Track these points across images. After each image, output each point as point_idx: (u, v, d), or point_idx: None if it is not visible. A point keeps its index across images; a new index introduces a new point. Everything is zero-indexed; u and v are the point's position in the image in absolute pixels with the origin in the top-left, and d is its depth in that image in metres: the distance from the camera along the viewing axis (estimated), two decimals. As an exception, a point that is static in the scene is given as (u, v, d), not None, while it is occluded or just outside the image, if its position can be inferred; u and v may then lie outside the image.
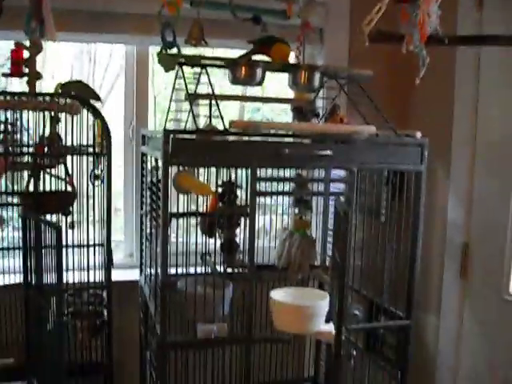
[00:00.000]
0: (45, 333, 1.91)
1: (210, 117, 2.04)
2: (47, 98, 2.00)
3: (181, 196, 2.04)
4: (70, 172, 2.04)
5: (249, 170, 1.78)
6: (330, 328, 1.78)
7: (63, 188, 2.07)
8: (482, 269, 2.35)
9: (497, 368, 2.26)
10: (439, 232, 2.56)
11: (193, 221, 2.15)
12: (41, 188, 2.04)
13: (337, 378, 1.74)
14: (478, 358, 2.36)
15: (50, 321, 1.87)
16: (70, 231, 2.18)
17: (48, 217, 2.06)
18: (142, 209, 2.35)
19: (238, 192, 2.15)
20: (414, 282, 2.01)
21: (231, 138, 1.76)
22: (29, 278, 2.01)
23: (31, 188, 1.99)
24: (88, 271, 2.19)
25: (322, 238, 2.48)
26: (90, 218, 2.25)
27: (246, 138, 1.77)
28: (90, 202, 2.21)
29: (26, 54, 2.05)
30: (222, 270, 2.12)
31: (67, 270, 2.14)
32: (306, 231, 2.35)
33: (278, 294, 1.88)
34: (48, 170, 2.02)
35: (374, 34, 1.75)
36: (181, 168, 1.93)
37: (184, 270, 2.07)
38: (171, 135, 1.69)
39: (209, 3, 2.14)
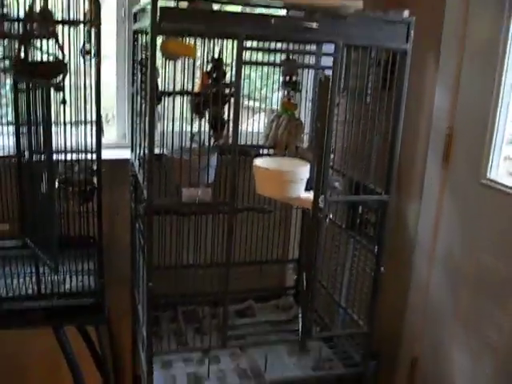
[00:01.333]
0: (37, 199, 2.00)
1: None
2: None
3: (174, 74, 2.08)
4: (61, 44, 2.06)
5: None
6: (310, 196, 1.87)
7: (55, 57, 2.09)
8: (464, 154, 2.41)
9: (472, 252, 2.36)
10: (426, 118, 2.61)
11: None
12: (32, 59, 2.06)
13: (313, 243, 1.84)
14: (455, 242, 2.46)
15: (43, 187, 1.95)
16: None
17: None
18: (133, 86, 2.40)
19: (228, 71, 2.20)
20: (394, 159, 2.08)
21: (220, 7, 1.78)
22: (21, 148, 2.09)
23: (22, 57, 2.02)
24: (80, 147, 2.24)
25: (311, 120, 2.55)
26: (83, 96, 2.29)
27: (235, 9, 1.78)
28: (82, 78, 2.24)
29: None
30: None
31: (60, 148, 2.20)
32: (293, 113, 2.41)
33: (261, 161, 1.95)
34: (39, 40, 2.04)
35: None
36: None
37: (173, 145, 2.15)
38: (159, 3, 1.71)
39: None
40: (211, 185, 1.99)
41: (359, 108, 2.14)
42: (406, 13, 2.01)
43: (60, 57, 2.00)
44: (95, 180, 2.16)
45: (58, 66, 1.96)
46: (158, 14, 1.71)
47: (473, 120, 2.35)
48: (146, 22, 1.90)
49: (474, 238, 2.35)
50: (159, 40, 1.83)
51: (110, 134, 2.73)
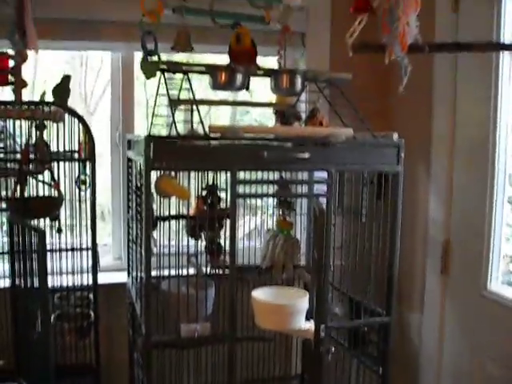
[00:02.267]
0: (33, 335, 1.96)
1: (192, 122, 2.09)
2: (32, 106, 2.05)
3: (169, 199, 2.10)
4: (56, 178, 2.09)
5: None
6: (311, 326, 1.83)
7: (50, 194, 2.12)
8: (463, 265, 2.40)
9: (478, 360, 2.31)
10: (421, 230, 2.62)
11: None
12: (28, 194, 2.09)
13: (316, 375, 1.79)
14: (460, 353, 2.41)
15: (38, 323, 1.91)
16: (58, 237, 2.23)
17: (36, 222, 2.12)
18: (128, 212, 2.41)
19: (223, 195, 2.21)
20: (393, 280, 2.06)
21: (213, 142, 1.81)
22: (16, 282, 2.07)
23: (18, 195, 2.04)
24: (76, 275, 2.24)
25: (307, 238, 2.54)
26: (78, 223, 2.30)
27: (227, 142, 1.81)
28: (78, 206, 2.27)
29: (11, 63, 2.10)
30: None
31: (56, 273, 2.19)
32: (289, 232, 2.41)
33: (260, 293, 1.93)
34: (35, 177, 2.07)
35: (358, 45, 1.81)
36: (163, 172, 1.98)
37: (170, 271, 2.13)
38: (152, 140, 1.74)
39: (190, 10, 2.20)
40: (209, 317, 1.96)
41: (355, 226, 2.15)
42: (396, 135, 2.05)
43: (56, 193, 2.01)
44: (92, 313, 2.12)
45: (54, 203, 1.97)
46: (152, 151, 1.74)
47: (469, 231, 2.35)
48: (139, 155, 1.93)
49: (479, 346, 2.30)
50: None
51: (106, 258, 2.72)
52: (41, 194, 2.12)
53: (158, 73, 2.00)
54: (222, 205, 2.23)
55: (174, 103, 2.07)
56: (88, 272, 2.29)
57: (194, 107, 2.04)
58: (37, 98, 2.15)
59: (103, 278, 2.42)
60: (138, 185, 2.15)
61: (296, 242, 2.37)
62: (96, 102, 4.03)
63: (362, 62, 2.57)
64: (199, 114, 1.89)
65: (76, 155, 2.20)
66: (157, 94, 2.22)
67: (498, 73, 2.20)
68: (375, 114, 2.50)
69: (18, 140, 2.13)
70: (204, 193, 2.21)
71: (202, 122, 1.85)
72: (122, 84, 2.68)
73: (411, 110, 2.68)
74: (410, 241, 2.64)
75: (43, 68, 3.29)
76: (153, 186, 1.81)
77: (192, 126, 2.10)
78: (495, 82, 2.20)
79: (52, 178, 2.04)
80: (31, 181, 2.08)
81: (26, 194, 2.05)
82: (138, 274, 2.08)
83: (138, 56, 2.68)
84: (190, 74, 2.03)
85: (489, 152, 2.23)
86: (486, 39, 2.16)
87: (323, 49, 2.78)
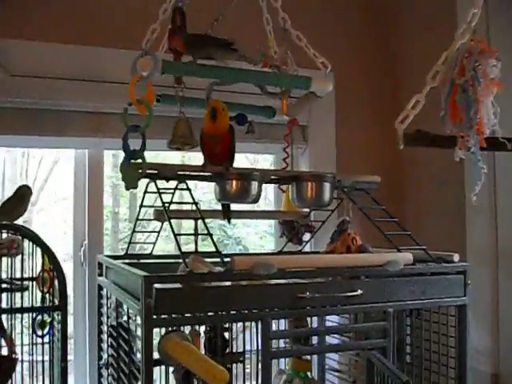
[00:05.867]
0: None
1: (196, 246, 1.57)
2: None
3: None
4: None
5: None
6: None
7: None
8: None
9: None
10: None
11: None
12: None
13: None
14: None
15: None
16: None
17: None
18: (100, 359, 1.83)
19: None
20: None
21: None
22: None
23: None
24: None
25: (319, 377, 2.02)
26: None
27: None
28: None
29: None
30: None
31: None
32: (307, 374, 1.90)
33: None
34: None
35: (412, 134, 1.38)
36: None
37: None
38: (153, 282, 1.22)
39: (184, 100, 1.75)
40: None
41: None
42: (457, 257, 1.60)
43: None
44: None
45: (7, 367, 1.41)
46: (154, 299, 1.21)
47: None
48: (123, 293, 1.41)
49: None
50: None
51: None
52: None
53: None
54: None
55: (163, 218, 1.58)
56: None
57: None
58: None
59: None
60: (117, 323, 1.62)
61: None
62: (36, 194, 3.51)
63: (371, 157, 2.20)
64: (208, 231, 1.40)
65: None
66: (141, 205, 1.75)
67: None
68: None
69: None
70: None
71: (215, 245, 1.35)
72: (88, 189, 2.15)
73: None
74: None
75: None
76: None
77: (196, 250, 1.56)
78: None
79: (2, 336, 1.46)
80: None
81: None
82: None
83: (108, 155, 2.19)
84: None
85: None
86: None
87: (328, 143, 2.37)
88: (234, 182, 1.55)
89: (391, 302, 1.43)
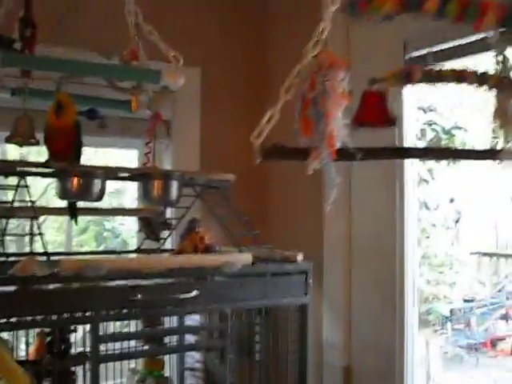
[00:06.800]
0: None
1: (31, 246, 1.51)
2: None
3: None
4: None
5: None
6: None
7: None
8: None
9: None
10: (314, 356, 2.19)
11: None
12: None
13: None
14: None
15: None
16: None
17: None
18: None
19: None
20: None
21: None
22: None
23: None
24: None
25: (178, 377, 2.01)
26: None
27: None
28: None
29: None
30: None
31: None
32: (160, 372, 1.88)
33: None
34: None
35: (269, 149, 1.35)
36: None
37: None
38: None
39: (34, 92, 1.66)
40: None
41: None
42: (300, 256, 1.62)
43: None
44: None
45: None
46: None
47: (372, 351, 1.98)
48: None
49: None
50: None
51: None
52: None
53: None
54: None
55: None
56: None
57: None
58: None
59: None
60: None
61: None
62: None
63: (235, 156, 2.18)
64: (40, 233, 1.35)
65: None
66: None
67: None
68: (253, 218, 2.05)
69: None
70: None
71: (44, 245, 1.31)
72: None
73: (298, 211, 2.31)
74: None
75: None
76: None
77: (31, 252, 1.50)
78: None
79: None
80: None
81: None
82: None
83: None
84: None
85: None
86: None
87: (192, 140, 2.34)
88: (75, 179, 1.50)
89: (228, 303, 1.43)
